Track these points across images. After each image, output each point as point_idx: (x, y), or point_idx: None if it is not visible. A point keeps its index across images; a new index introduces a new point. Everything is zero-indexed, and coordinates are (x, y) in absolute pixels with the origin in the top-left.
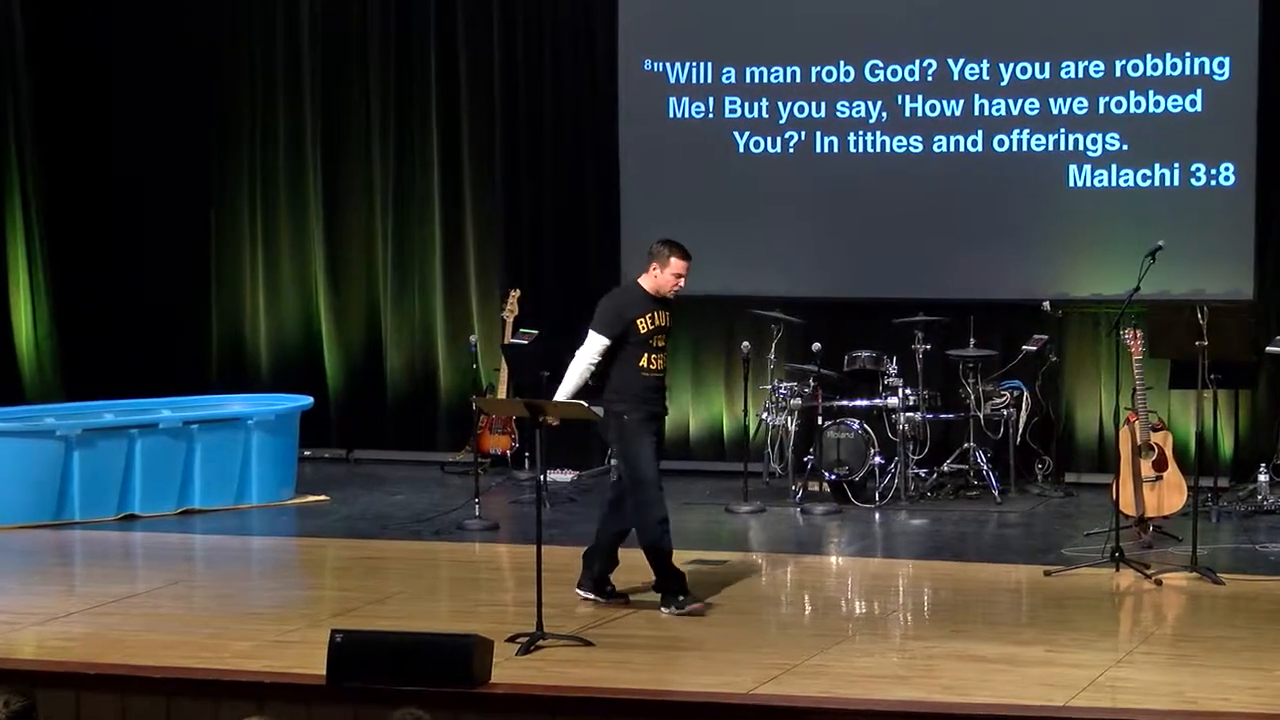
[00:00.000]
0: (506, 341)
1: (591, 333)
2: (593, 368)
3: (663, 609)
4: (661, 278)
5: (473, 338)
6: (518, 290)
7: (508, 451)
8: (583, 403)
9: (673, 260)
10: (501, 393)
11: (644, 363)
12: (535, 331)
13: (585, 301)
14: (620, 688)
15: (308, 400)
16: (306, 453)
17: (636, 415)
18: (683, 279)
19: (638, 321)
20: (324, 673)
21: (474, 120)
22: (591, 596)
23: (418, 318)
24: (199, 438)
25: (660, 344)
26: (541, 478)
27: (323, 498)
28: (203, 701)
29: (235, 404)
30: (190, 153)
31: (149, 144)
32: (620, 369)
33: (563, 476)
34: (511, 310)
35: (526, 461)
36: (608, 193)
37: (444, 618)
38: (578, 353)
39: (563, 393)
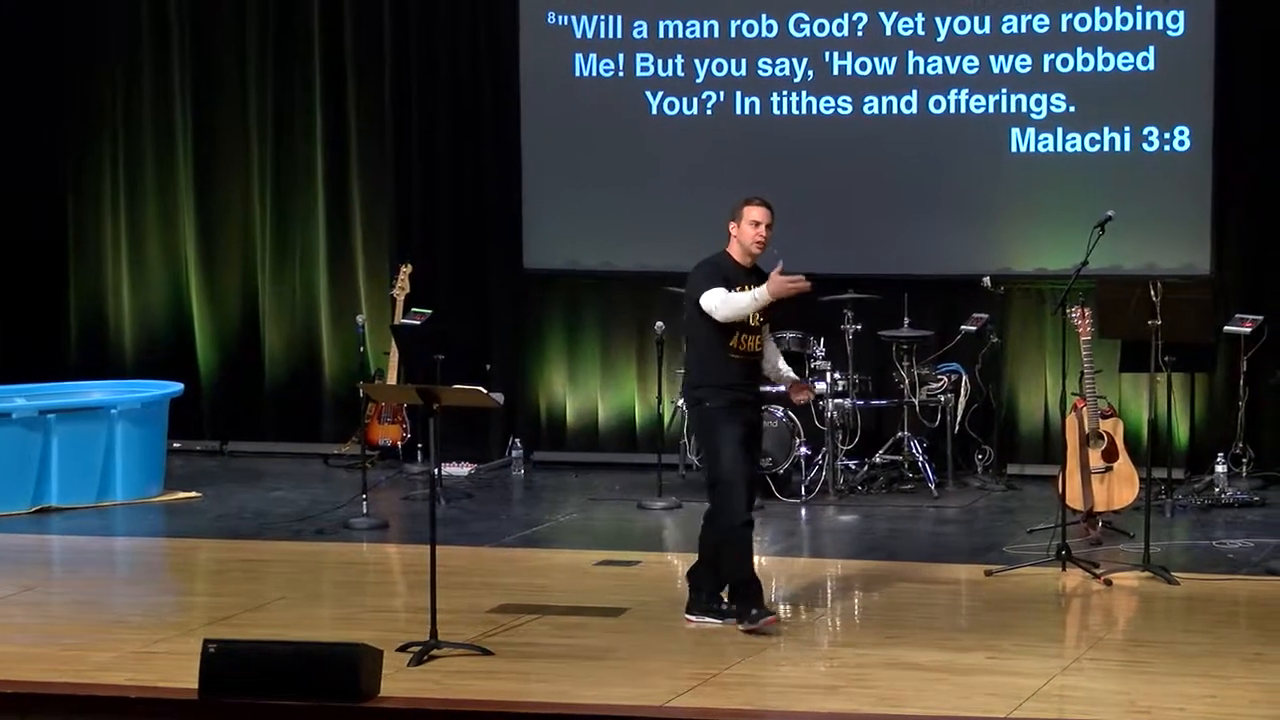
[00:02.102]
0: (397, 322)
1: (705, 294)
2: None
3: (740, 624)
4: (742, 233)
5: (360, 318)
6: (409, 266)
7: (398, 443)
8: (481, 389)
9: (746, 208)
10: (391, 378)
11: (734, 343)
12: (428, 311)
13: (482, 277)
14: (523, 701)
15: (177, 387)
16: (176, 445)
17: (718, 403)
18: (763, 227)
19: (734, 292)
20: (196, 686)
21: (361, 80)
22: (708, 621)
23: (299, 296)
24: (56, 429)
25: (755, 322)
26: (435, 472)
27: (194, 494)
28: (61, 719)
29: (96, 392)
30: (44, 114)
31: None
32: (704, 350)
33: (459, 470)
34: (402, 288)
35: (419, 454)
36: (508, 159)
37: (328, 625)
38: (714, 306)
39: (740, 303)
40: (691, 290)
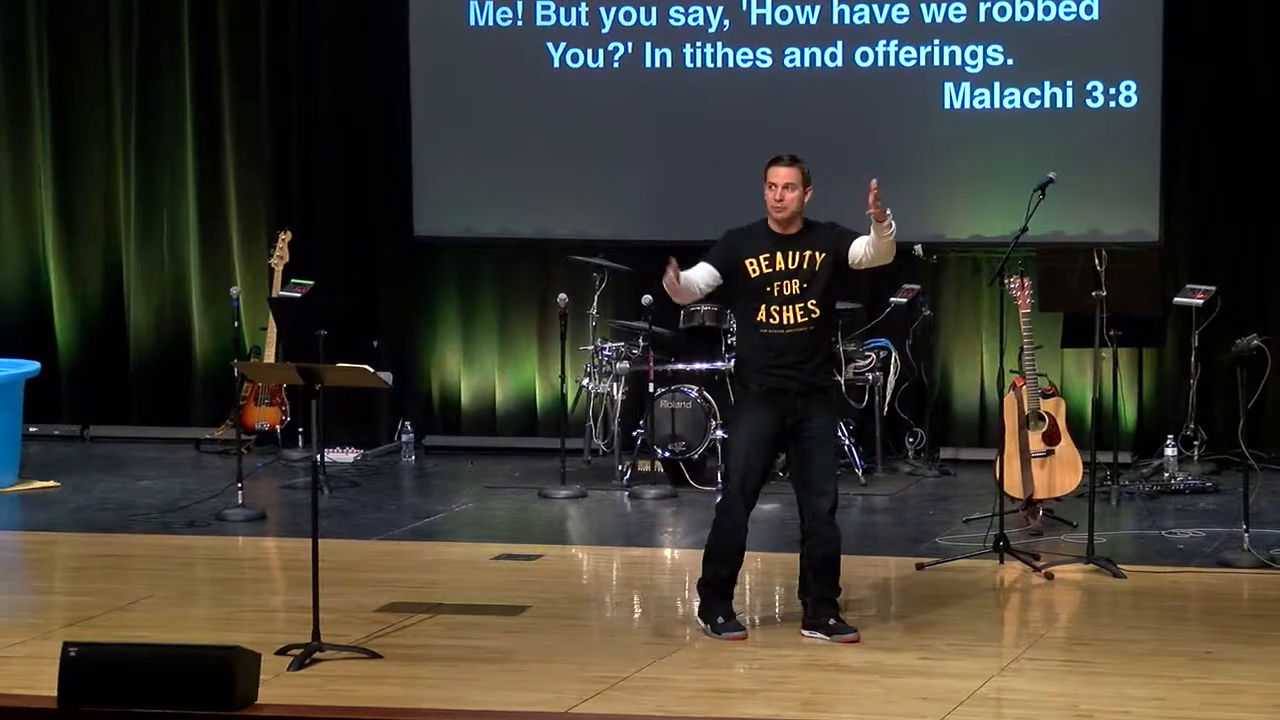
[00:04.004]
0: (275, 294)
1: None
2: (698, 288)
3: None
4: (768, 198)
5: (234, 290)
6: (288, 233)
7: (277, 427)
8: (368, 368)
9: (767, 170)
10: (269, 356)
11: (761, 316)
12: (310, 282)
13: (369, 246)
14: (414, 708)
15: (33, 366)
16: (32, 429)
17: (749, 389)
18: (779, 188)
19: (747, 262)
20: (55, 694)
21: (234, 28)
22: (817, 636)
23: (167, 266)
24: None
25: (790, 292)
26: (318, 458)
27: (52, 484)
28: None
29: None
30: None
31: None
32: (738, 324)
33: (343, 456)
34: (281, 256)
35: (300, 438)
36: (396, 116)
37: (201, 626)
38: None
39: (683, 287)
40: None
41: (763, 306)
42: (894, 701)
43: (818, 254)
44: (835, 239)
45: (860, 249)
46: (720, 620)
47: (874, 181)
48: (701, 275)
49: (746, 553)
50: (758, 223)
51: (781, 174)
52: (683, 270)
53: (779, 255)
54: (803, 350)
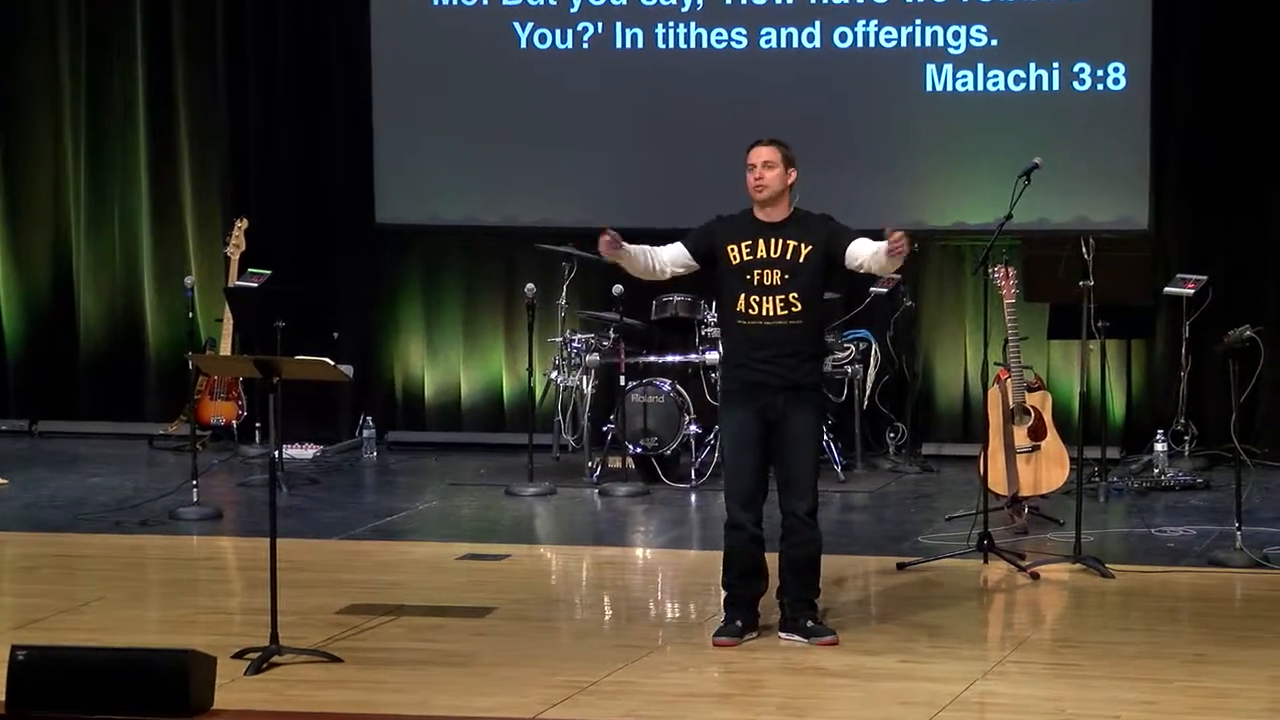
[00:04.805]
0: (231, 284)
1: None
2: (661, 263)
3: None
4: (748, 181)
5: (189, 280)
6: (245, 220)
7: (233, 422)
8: (327, 360)
9: (747, 156)
10: (225, 348)
11: (741, 306)
12: (267, 272)
13: (328, 234)
14: (375, 714)
15: None
16: None
17: (728, 385)
18: (758, 168)
19: (729, 248)
20: (2, 699)
21: (189, 6)
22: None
23: (118, 255)
24: None
25: (771, 282)
26: (276, 454)
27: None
28: None
29: None
30: None
31: None
32: (721, 316)
33: (302, 452)
34: (237, 245)
35: (257, 434)
36: (356, 98)
37: (154, 629)
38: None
39: (638, 258)
40: None
41: (742, 296)
42: (874, 706)
43: (803, 245)
44: (827, 235)
45: (864, 256)
46: (721, 624)
47: (900, 234)
48: (668, 253)
49: (718, 551)
50: (745, 211)
51: (759, 153)
52: (657, 248)
53: (761, 243)
54: (783, 344)
